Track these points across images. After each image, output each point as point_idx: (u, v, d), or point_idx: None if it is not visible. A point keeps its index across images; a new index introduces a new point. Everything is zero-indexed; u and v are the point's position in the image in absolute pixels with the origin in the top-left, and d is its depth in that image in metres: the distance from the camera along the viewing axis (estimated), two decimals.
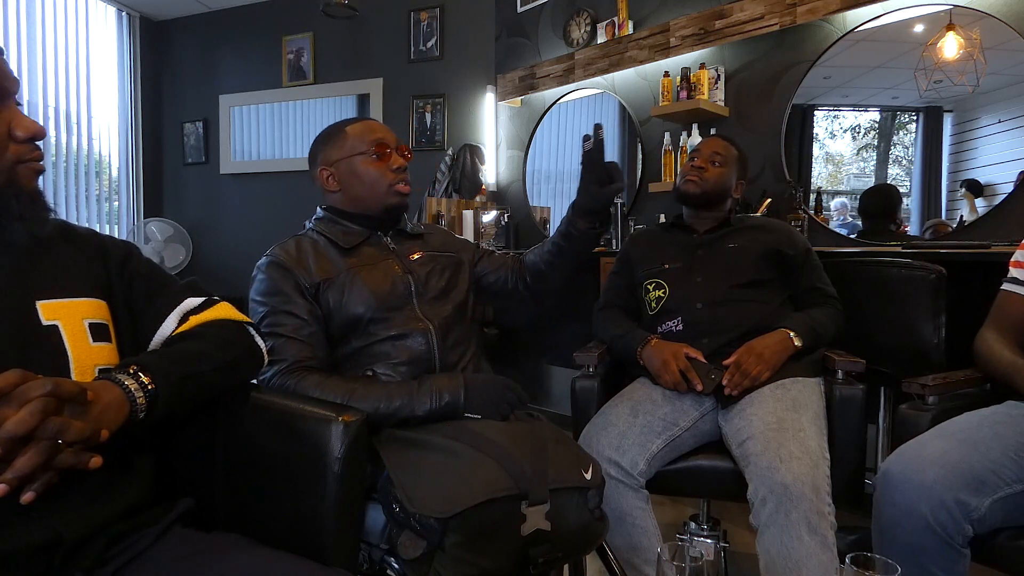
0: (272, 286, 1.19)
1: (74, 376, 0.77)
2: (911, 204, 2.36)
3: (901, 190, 2.39)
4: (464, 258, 1.40)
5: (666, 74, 2.80)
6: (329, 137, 1.31)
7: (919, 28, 2.23)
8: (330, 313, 1.20)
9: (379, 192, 1.28)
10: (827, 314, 1.53)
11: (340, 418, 0.87)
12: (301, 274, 1.20)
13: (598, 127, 1.21)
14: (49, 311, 0.79)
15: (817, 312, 1.52)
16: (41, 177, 0.81)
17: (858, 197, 2.49)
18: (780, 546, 1.16)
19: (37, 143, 0.79)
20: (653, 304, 1.60)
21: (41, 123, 0.84)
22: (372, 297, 1.20)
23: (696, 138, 2.75)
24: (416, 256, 1.31)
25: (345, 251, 1.26)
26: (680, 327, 1.54)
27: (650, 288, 1.62)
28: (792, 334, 1.43)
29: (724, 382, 1.39)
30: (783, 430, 1.25)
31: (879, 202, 2.42)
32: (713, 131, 2.70)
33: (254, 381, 1.03)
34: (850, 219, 2.49)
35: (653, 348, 1.49)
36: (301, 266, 1.21)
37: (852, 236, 2.43)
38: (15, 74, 0.79)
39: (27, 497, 0.62)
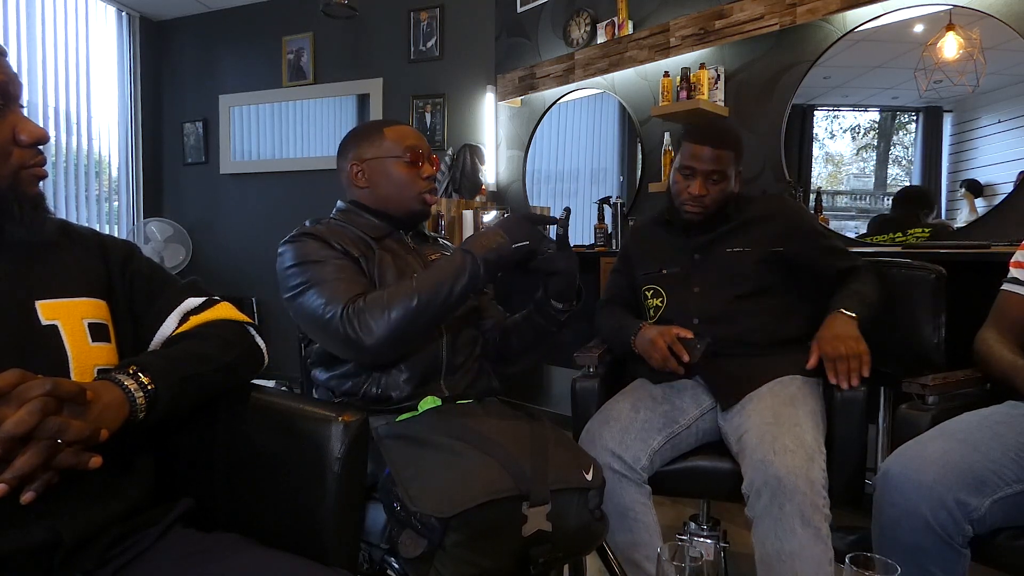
0: (308, 250, 1.18)
1: (73, 376, 0.77)
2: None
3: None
4: None
5: (666, 74, 2.80)
6: (365, 135, 1.33)
7: (919, 28, 2.23)
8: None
9: (406, 196, 1.30)
10: (863, 281, 1.48)
11: (340, 418, 0.87)
12: (337, 247, 1.20)
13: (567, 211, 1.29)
14: (48, 311, 0.78)
15: (855, 284, 1.47)
16: (42, 181, 0.81)
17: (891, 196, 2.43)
18: (774, 538, 1.17)
19: (40, 148, 0.79)
20: (651, 312, 1.60)
21: (41, 123, 0.84)
22: None
23: None
24: (434, 257, 1.32)
25: (372, 239, 1.27)
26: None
27: (648, 295, 1.61)
28: (842, 309, 1.39)
29: (832, 380, 1.35)
30: (779, 424, 1.25)
31: (917, 196, 2.37)
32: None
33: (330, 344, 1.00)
34: None
35: (644, 331, 1.49)
36: (336, 241, 1.21)
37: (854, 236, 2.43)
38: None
39: (27, 497, 0.62)
